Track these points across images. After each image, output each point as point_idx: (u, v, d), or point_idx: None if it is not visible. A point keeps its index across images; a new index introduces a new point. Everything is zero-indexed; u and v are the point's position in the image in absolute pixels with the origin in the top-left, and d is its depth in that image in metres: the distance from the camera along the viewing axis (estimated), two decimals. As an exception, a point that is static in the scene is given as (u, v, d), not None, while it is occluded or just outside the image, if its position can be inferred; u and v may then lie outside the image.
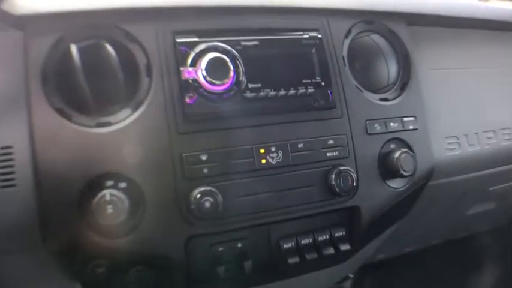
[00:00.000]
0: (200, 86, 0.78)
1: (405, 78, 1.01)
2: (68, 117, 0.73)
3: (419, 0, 1.06)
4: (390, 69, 1.00)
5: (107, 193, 0.70)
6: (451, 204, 1.29)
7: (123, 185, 0.74)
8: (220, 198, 0.77)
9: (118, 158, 0.74)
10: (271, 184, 0.82)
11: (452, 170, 1.10)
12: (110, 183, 0.73)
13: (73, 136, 0.72)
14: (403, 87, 1.00)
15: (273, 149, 0.83)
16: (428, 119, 1.02)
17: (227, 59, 0.80)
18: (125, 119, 0.75)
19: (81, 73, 0.72)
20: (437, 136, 1.04)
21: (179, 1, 0.84)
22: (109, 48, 0.75)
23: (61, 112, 0.73)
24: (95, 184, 0.72)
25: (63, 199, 0.71)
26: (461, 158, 1.10)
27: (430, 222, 1.35)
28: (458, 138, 1.09)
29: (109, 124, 0.75)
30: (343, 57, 0.93)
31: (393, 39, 1.01)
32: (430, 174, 1.02)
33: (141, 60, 0.78)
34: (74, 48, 0.73)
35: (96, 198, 0.70)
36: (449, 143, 1.08)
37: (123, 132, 0.74)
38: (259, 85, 0.83)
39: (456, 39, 1.13)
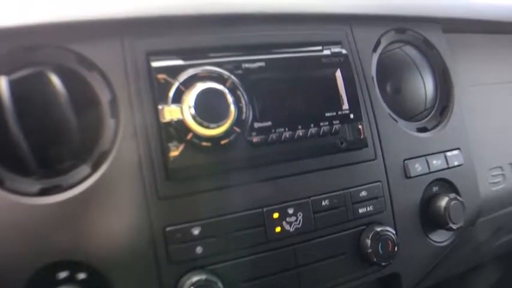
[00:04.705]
0: (188, 130, 0.57)
1: (444, 100, 0.82)
2: (-1, 182, 0.54)
3: (457, 3, 0.85)
4: (427, 90, 0.80)
5: (58, 293, 0.51)
6: (482, 241, 1.12)
7: (82, 276, 0.55)
8: (221, 288, 0.55)
9: (73, 238, 0.54)
10: (288, 260, 0.63)
11: (494, 207, 0.94)
12: (63, 275, 0.54)
13: (6, 209, 0.53)
14: (442, 112, 0.81)
15: (290, 211, 0.62)
16: (472, 149, 0.83)
17: (225, 90, 0.58)
18: (81, 182, 0.56)
19: (14, 116, 0.53)
20: (481, 169, 0.86)
21: (153, 9, 0.60)
22: (55, 79, 0.55)
23: (-13, 174, 0.53)
24: (42, 278, 0.53)
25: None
26: (505, 192, 0.93)
27: (456, 258, 1.18)
28: (502, 169, 0.93)
29: (59, 189, 0.55)
30: (372, 78, 0.72)
31: (428, 51, 0.81)
32: (476, 219, 0.83)
33: (103, 95, 0.58)
34: (3, 82, 0.54)
35: (42, 303, 0.51)
36: (493, 176, 0.91)
37: (80, 200, 0.55)
38: (268, 123, 0.62)
39: (498, 48, 0.94)
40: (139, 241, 0.56)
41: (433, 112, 0.80)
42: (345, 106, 0.66)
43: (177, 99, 0.57)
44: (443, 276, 1.13)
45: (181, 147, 0.57)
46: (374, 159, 0.70)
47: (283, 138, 0.62)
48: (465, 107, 0.84)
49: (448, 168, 0.77)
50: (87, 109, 0.57)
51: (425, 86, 0.80)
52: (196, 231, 0.57)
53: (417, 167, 0.73)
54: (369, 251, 0.65)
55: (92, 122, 0.57)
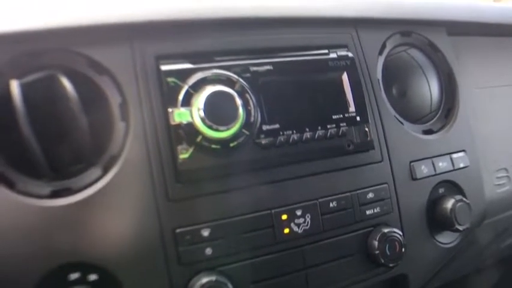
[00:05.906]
0: (197, 132, 0.58)
1: (450, 103, 0.82)
2: (11, 184, 0.54)
3: (461, 5, 0.85)
4: (433, 93, 0.80)
5: (70, 294, 0.51)
6: (487, 243, 1.12)
7: (93, 277, 0.55)
8: (231, 289, 0.56)
9: (84, 240, 0.55)
10: (297, 261, 0.63)
11: (500, 209, 0.93)
12: (74, 276, 0.55)
13: (18, 211, 0.53)
14: (448, 114, 0.81)
15: (298, 212, 0.63)
16: (477, 151, 0.84)
17: (233, 93, 0.58)
18: (92, 184, 0.56)
19: (26, 120, 0.53)
20: (486, 171, 0.86)
21: (162, 13, 0.61)
22: (66, 82, 0.56)
23: (0, 177, 0.53)
24: (53, 279, 0.54)
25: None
26: (511, 194, 0.93)
27: (462, 259, 1.18)
28: (507, 171, 0.92)
29: (69, 192, 0.56)
30: (378, 81, 0.72)
31: (433, 54, 0.81)
32: (482, 220, 0.83)
33: (113, 99, 0.59)
34: (15, 85, 0.54)
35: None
36: (498, 178, 0.91)
37: (91, 202, 0.55)
38: (276, 126, 0.62)
39: (502, 50, 0.94)
40: (149, 243, 0.56)
41: (438, 114, 0.81)
42: (352, 109, 0.67)
43: (187, 102, 0.58)
44: (450, 277, 1.13)
45: (190, 150, 0.58)
46: (381, 161, 0.70)
47: (291, 140, 0.62)
48: (470, 110, 0.85)
49: (454, 170, 0.77)
50: (98, 112, 0.58)
51: (430, 88, 0.80)
52: (205, 233, 0.58)
53: (423, 169, 0.74)
54: (376, 252, 0.65)
55: (102, 125, 0.58)
